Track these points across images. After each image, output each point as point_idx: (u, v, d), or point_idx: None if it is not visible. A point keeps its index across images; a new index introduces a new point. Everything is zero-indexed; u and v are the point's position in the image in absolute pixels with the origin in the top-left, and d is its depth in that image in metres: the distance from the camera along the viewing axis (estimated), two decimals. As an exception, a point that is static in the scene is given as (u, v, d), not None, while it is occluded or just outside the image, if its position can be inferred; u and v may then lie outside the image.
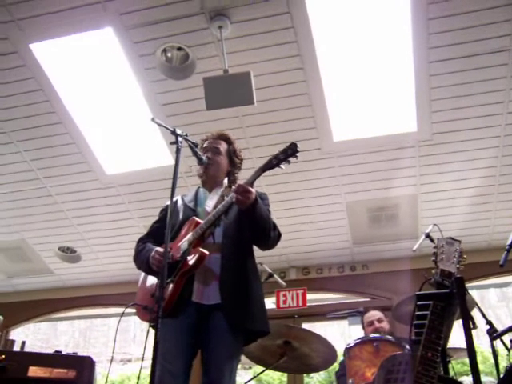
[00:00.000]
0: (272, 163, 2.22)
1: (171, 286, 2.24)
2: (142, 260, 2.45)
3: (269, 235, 2.37)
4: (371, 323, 3.93)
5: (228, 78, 3.68)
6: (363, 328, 4.02)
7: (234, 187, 2.25)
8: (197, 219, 2.41)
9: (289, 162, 2.22)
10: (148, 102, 4.27)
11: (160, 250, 2.33)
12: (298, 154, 2.20)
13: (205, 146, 2.66)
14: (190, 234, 2.36)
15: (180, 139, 2.30)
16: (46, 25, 3.71)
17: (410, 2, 3.52)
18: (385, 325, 3.91)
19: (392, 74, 4.03)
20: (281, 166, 2.22)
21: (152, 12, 3.64)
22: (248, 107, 3.96)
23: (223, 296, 2.25)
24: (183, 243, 2.35)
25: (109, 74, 4.13)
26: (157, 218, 2.67)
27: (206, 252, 2.28)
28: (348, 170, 4.77)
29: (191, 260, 2.27)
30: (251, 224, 2.31)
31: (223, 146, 2.67)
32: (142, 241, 2.58)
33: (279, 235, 2.47)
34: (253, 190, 2.23)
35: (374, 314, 3.99)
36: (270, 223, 2.38)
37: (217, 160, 2.61)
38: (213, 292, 2.28)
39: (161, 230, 2.34)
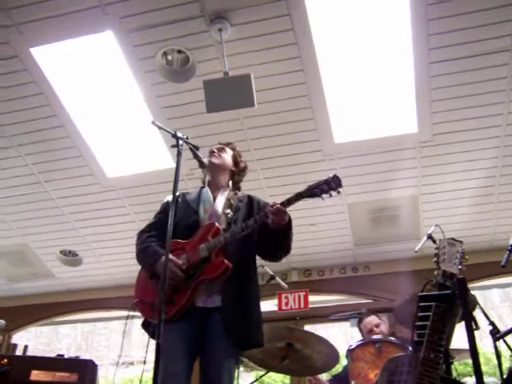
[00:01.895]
0: (314, 192, 2.25)
1: (189, 292, 2.22)
2: (146, 261, 2.38)
3: (289, 251, 2.45)
4: (371, 330, 3.91)
5: (228, 81, 3.68)
6: (362, 336, 3.99)
7: (268, 206, 2.28)
8: (217, 225, 2.36)
9: (331, 195, 2.23)
10: (148, 104, 4.27)
11: (178, 261, 2.25)
12: (340, 190, 2.21)
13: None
14: (211, 241, 2.30)
15: (181, 142, 2.30)
16: (47, 29, 3.72)
17: (409, 3, 3.53)
18: (384, 328, 3.89)
19: (392, 75, 4.03)
20: (322, 196, 2.23)
21: (152, 15, 3.64)
22: (249, 109, 3.96)
23: (223, 306, 2.24)
24: (202, 248, 2.30)
25: (109, 77, 4.13)
26: (158, 210, 2.63)
27: (230, 265, 2.25)
28: (349, 172, 4.77)
29: (216, 271, 2.23)
30: (279, 243, 2.37)
31: (228, 148, 2.74)
32: (144, 233, 2.51)
33: None
34: (288, 212, 2.28)
35: (371, 321, 3.93)
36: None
37: (222, 155, 2.66)
38: (215, 299, 2.28)
39: (163, 222, 2.27)
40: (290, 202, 2.28)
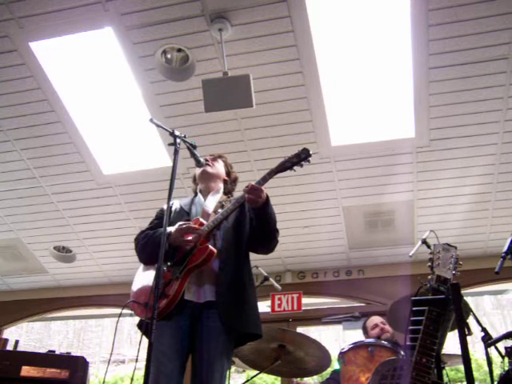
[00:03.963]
0: (285, 165, 2.35)
1: (177, 282, 2.24)
2: (157, 242, 2.28)
3: (275, 237, 2.46)
4: (376, 325, 3.94)
5: (227, 81, 3.68)
6: (365, 333, 4.00)
7: (244, 188, 2.31)
8: (201, 219, 2.42)
9: (301, 166, 2.35)
10: (147, 102, 4.26)
11: (182, 222, 2.34)
12: (310, 159, 2.34)
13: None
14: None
15: (178, 141, 2.32)
16: (47, 23, 3.71)
17: (410, 8, 3.53)
18: (389, 328, 3.92)
19: (391, 79, 4.04)
20: (294, 168, 2.34)
21: (153, 13, 3.64)
22: (247, 110, 3.96)
23: (218, 294, 2.27)
24: None
25: (108, 74, 4.12)
26: (154, 217, 2.67)
27: (214, 249, 2.30)
28: (345, 175, 4.78)
29: (200, 256, 2.27)
30: (262, 224, 2.38)
31: (220, 159, 2.81)
32: (144, 231, 2.53)
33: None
34: (264, 189, 2.32)
35: (377, 318, 4.01)
36: (276, 225, 2.46)
37: (215, 164, 2.73)
38: (207, 291, 2.30)
39: (159, 227, 2.40)
40: (264, 179, 2.35)
